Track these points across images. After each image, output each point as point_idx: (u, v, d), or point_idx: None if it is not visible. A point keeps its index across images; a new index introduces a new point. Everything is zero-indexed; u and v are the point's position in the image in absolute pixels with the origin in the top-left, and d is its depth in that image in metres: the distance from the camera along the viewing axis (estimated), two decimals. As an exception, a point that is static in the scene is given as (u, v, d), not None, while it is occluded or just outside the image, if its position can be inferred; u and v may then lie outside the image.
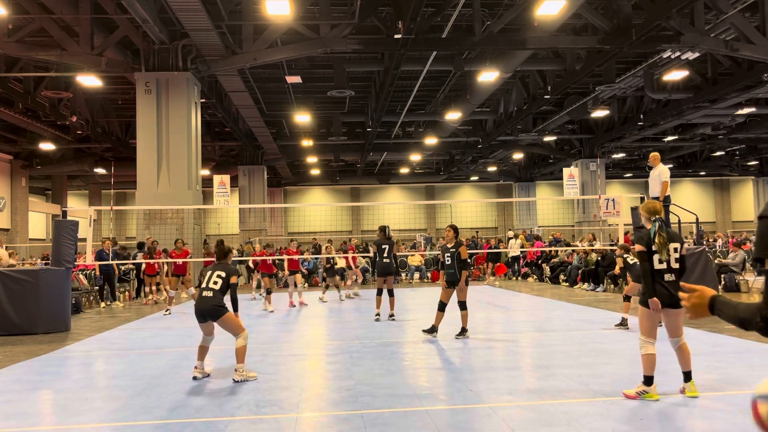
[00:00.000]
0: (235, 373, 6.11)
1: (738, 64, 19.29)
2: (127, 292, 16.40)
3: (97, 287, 14.65)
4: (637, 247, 5.14)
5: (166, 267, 13.60)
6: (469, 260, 8.80)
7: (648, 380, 5.02)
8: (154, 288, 15.81)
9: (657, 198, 11.24)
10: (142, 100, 16.45)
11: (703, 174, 43.72)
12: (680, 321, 5.08)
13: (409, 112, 24.64)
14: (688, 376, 5.10)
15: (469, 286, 8.71)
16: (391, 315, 10.83)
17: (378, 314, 10.81)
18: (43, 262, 23.88)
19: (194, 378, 6.26)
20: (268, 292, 12.89)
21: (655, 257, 4.95)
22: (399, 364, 6.82)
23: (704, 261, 11.10)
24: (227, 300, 6.24)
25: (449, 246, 8.66)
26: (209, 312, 6.12)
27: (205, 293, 6.21)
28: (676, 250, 5.03)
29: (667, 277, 4.98)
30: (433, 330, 8.69)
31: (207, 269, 6.51)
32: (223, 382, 6.10)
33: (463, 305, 8.54)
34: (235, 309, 6.27)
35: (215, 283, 6.22)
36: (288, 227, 40.79)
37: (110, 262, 14.71)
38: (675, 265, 5.01)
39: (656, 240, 4.92)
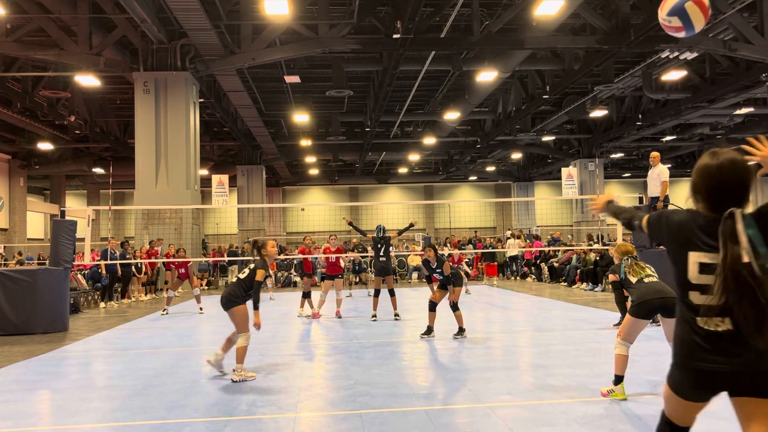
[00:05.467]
0: (233, 373, 6.11)
1: (736, 64, 19.31)
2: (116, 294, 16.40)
3: (102, 285, 14.62)
4: (611, 277, 5.62)
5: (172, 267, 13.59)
6: (457, 268, 8.86)
7: (617, 379, 5.09)
8: (141, 288, 15.85)
9: (656, 198, 11.25)
10: (140, 99, 16.44)
11: (702, 174, 43.71)
12: None
13: (408, 112, 24.64)
14: None
15: (464, 286, 8.74)
16: (396, 315, 10.74)
17: (374, 315, 10.74)
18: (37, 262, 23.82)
19: (208, 362, 6.34)
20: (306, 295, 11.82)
21: (630, 277, 5.41)
22: (397, 364, 6.82)
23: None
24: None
25: (433, 266, 8.69)
26: (222, 301, 6.21)
27: (231, 281, 6.27)
28: (650, 268, 5.51)
29: (648, 279, 5.30)
30: (429, 331, 8.65)
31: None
32: (222, 382, 6.09)
33: (455, 306, 8.51)
34: (255, 307, 6.20)
35: (243, 273, 6.33)
36: (286, 227, 40.78)
37: (116, 261, 14.69)
38: (653, 276, 5.39)
39: (627, 268, 5.48)
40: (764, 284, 2.12)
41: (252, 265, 6.34)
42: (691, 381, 2.33)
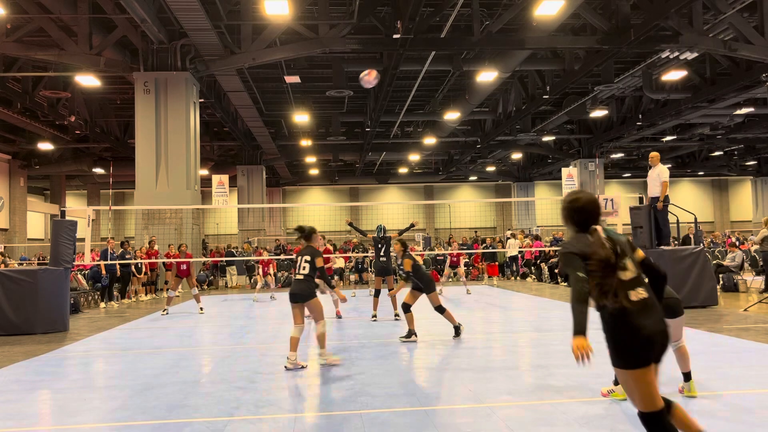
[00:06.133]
0: (319, 358, 6.55)
1: (736, 64, 19.31)
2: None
3: (102, 285, 14.61)
4: None
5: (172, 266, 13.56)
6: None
7: (617, 380, 5.05)
8: (140, 288, 15.84)
9: (656, 198, 11.26)
10: (140, 99, 16.44)
11: (702, 174, 43.77)
12: (680, 328, 5.12)
13: (408, 112, 24.65)
14: (687, 377, 5.11)
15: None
16: (396, 315, 10.73)
17: (375, 315, 10.73)
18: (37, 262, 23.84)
19: (286, 368, 6.52)
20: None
21: None
22: (398, 364, 6.82)
23: (702, 261, 11.11)
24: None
25: (399, 262, 8.53)
26: (300, 295, 6.65)
27: (297, 277, 6.76)
28: None
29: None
30: (410, 334, 8.39)
31: (298, 255, 6.91)
32: (222, 382, 6.09)
33: (440, 309, 8.32)
34: (331, 286, 7.16)
35: (304, 268, 6.74)
36: (286, 227, 40.78)
37: (114, 261, 14.69)
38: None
39: None
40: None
41: (308, 257, 6.74)
42: (645, 348, 3.07)
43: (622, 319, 3.10)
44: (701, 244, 12.41)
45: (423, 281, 8.35)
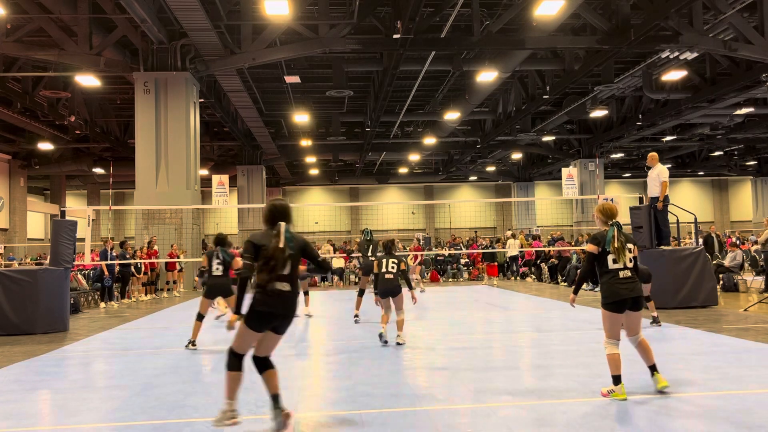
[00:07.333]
0: (397, 338, 7.93)
1: (736, 64, 19.32)
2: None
3: (104, 285, 14.60)
4: (589, 247, 5.24)
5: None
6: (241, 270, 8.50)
7: (615, 380, 5.07)
8: (140, 288, 15.84)
9: (656, 198, 11.26)
10: (140, 100, 16.45)
11: (702, 174, 43.78)
12: (639, 321, 5.23)
13: (408, 112, 24.66)
14: (653, 369, 5.19)
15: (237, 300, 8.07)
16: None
17: (356, 315, 10.71)
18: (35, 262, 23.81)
19: (398, 344, 7.91)
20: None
21: (610, 257, 5.11)
22: (398, 364, 6.82)
23: (702, 261, 11.11)
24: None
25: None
26: (392, 291, 7.94)
27: (387, 276, 7.94)
28: (630, 250, 5.18)
29: (623, 274, 5.11)
30: (189, 343, 8.10)
31: (381, 257, 8.13)
32: (222, 382, 6.07)
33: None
34: (410, 287, 8.22)
35: (392, 268, 7.99)
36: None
37: (114, 261, 14.69)
38: (629, 265, 5.14)
39: (614, 244, 5.09)
40: (288, 257, 4.30)
41: (395, 261, 8.05)
42: (263, 320, 4.30)
43: (263, 297, 4.24)
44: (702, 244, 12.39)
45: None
